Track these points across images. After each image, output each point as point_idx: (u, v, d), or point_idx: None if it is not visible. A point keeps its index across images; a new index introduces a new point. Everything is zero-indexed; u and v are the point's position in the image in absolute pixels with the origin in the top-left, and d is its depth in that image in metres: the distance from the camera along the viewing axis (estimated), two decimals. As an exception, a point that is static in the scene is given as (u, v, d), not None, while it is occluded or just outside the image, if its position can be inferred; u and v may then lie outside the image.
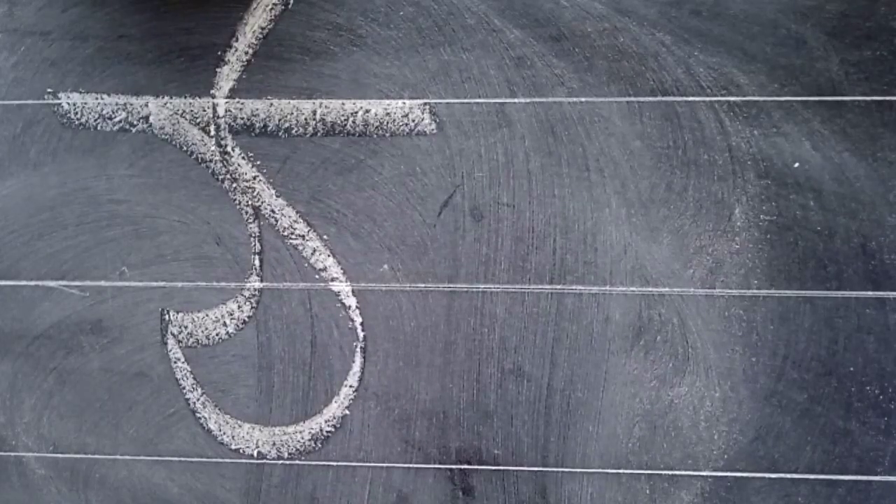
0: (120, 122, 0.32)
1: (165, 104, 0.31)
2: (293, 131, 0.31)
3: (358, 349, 0.29)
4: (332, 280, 0.29)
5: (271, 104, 0.31)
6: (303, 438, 0.30)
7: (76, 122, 0.32)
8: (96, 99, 0.32)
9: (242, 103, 0.31)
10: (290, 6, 0.32)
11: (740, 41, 0.31)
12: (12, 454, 0.30)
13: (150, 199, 0.31)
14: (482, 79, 0.31)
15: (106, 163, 0.31)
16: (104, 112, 0.32)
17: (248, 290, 0.31)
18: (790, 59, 0.31)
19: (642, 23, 0.31)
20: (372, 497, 0.28)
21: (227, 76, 0.32)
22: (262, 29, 0.32)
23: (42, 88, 0.32)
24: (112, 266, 0.30)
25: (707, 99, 0.31)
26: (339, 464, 0.27)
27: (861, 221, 0.29)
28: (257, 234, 0.30)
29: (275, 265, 0.30)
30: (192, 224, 0.30)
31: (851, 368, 0.28)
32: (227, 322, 0.31)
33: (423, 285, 0.29)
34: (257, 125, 0.31)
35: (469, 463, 0.28)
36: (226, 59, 0.32)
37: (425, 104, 0.31)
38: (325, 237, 0.30)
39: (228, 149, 0.31)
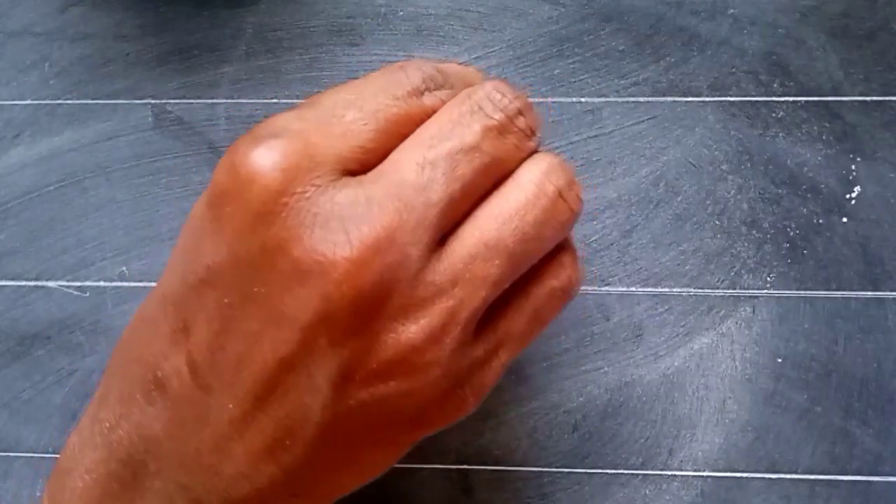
0: (120, 122, 0.32)
1: (165, 104, 0.31)
2: (293, 131, 0.31)
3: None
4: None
5: (271, 104, 0.31)
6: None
7: (76, 122, 0.32)
8: (96, 99, 0.32)
9: (242, 103, 0.31)
10: (289, 5, 0.32)
11: (740, 41, 0.31)
12: (12, 454, 0.30)
13: (151, 199, 0.31)
14: (482, 79, 0.31)
15: (106, 163, 0.31)
16: (104, 112, 0.32)
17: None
18: (790, 59, 0.31)
19: (642, 23, 0.31)
20: (372, 497, 0.27)
21: (228, 76, 0.32)
22: (263, 28, 0.32)
23: (42, 89, 0.32)
24: (112, 266, 0.30)
25: (707, 99, 0.31)
26: (339, 464, 0.27)
27: (861, 221, 0.29)
28: (257, 234, 0.30)
29: (275, 265, 0.30)
30: (191, 224, 0.30)
31: (851, 368, 0.28)
32: (227, 322, 0.31)
33: (422, 285, 0.29)
34: (257, 125, 0.31)
35: (469, 463, 0.28)
36: (226, 58, 0.32)
37: (425, 104, 0.31)
38: (324, 237, 0.30)
39: (228, 149, 0.31)
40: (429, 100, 0.19)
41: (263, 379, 0.17)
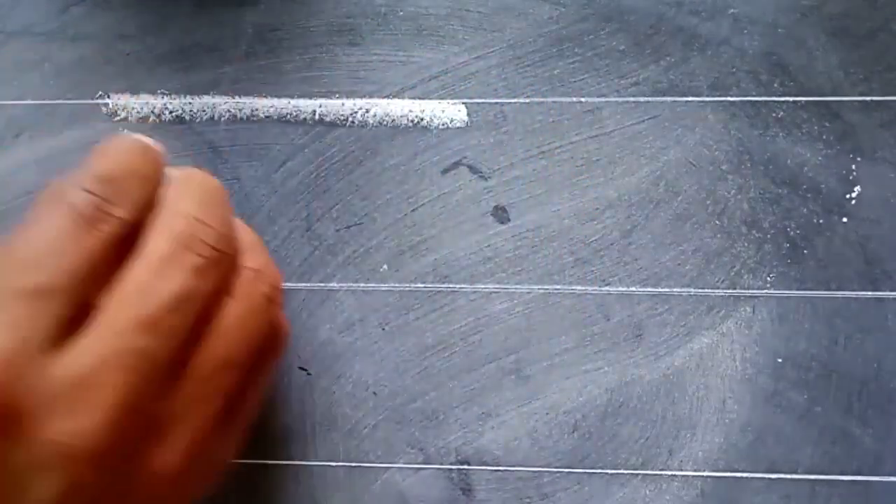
0: (119, 122, 0.32)
1: (165, 104, 0.31)
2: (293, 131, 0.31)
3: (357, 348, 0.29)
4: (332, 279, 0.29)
5: (271, 104, 0.31)
6: (303, 438, 0.30)
7: (76, 122, 0.32)
8: (96, 99, 0.32)
9: (242, 103, 0.31)
10: (289, 5, 0.32)
11: (740, 41, 0.31)
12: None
13: (150, 199, 0.31)
14: (482, 79, 0.31)
15: (106, 163, 0.31)
16: (104, 112, 0.32)
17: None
18: (790, 59, 0.31)
19: (642, 23, 0.31)
20: (372, 497, 0.28)
21: (227, 76, 0.32)
22: (263, 28, 0.32)
23: (42, 89, 0.32)
24: (112, 266, 0.30)
25: (707, 99, 0.31)
26: (339, 464, 0.27)
27: (861, 221, 0.29)
28: (257, 234, 0.30)
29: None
30: (191, 224, 0.30)
31: (851, 368, 0.28)
32: (227, 322, 0.31)
33: (423, 285, 0.29)
34: (257, 125, 0.31)
35: (469, 463, 0.28)
36: (226, 58, 0.32)
37: (425, 104, 0.31)
38: (325, 236, 0.30)
39: (229, 148, 0.31)
40: (106, 227, 0.18)
41: None
